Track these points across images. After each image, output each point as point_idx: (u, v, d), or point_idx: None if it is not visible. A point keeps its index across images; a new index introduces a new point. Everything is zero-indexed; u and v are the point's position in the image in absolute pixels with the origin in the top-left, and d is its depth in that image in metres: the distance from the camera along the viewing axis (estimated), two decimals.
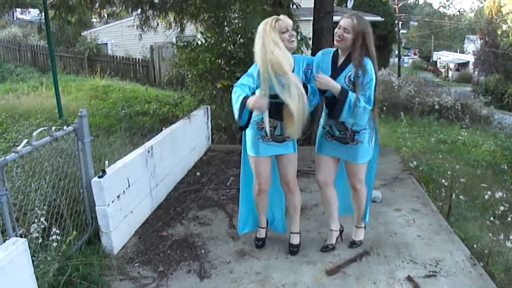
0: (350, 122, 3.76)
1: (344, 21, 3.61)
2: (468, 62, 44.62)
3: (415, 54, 63.96)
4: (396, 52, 41.22)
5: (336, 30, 3.66)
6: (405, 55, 56.90)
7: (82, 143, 4.11)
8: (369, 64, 3.60)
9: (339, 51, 3.75)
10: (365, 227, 4.39)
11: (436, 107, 16.05)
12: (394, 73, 33.06)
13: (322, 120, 4.03)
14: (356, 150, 3.85)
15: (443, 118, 15.41)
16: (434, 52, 56.22)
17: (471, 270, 3.89)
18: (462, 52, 53.50)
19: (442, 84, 29.51)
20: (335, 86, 3.61)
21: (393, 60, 42.63)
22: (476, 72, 39.41)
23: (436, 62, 53.45)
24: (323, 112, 3.98)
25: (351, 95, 3.58)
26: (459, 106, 16.31)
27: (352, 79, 3.64)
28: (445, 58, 50.83)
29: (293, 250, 4.23)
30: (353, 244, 4.28)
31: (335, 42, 3.68)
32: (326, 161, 4.03)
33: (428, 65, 54.01)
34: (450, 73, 47.71)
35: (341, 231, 4.30)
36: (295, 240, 4.25)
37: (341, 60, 3.73)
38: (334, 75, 3.69)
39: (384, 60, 31.84)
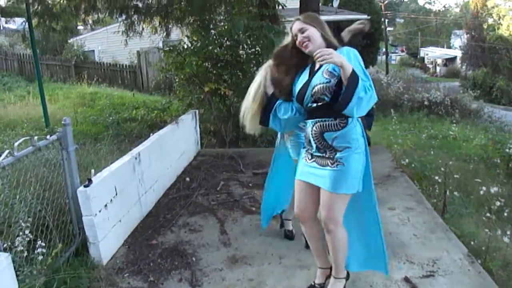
0: (331, 138, 3.10)
1: (294, 27, 3.21)
2: (455, 57, 44.91)
3: (402, 51, 64.26)
4: (384, 49, 41.35)
5: (297, 43, 3.20)
6: (392, 53, 57.15)
7: (66, 152, 4.01)
8: (353, 51, 3.11)
9: (315, 60, 3.10)
10: (347, 279, 3.58)
11: (426, 103, 16.03)
12: (382, 71, 33.14)
13: (303, 138, 3.40)
14: (335, 175, 3.09)
15: (433, 114, 15.41)
16: (421, 48, 56.53)
17: (469, 268, 3.84)
18: (449, 47, 53.83)
19: (431, 80, 29.60)
20: (347, 63, 2.87)
21: (381, 57, 42.80)
22: (463, 67, 39.70)
23: (423, 58, 53.71)
24: (307, 128, 3.29)
25: (360, 79, 2.88)
26: (448, 101, 16.29)
27: (333, 70, 3.02)
28: (433, 54, 51.10)
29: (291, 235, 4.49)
30: None
31: (306, 51, 3.17)
32: (302, 189, 3.35)
33: (416, 62, 54.29)
34: (438, 68, 47.97)
35: (331, 268, 3.57)
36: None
37: (317, 65, 3.17)
38: (311, 77, 3.17)
39: (372, 58, 31.87)
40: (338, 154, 3.10)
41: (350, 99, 2.84)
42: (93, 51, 23.29)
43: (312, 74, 3.20)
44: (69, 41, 22.03)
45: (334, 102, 2.98)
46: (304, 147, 3.36)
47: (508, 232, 4.55)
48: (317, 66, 3.18)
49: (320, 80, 3.06)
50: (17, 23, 23.67)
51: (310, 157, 3.26)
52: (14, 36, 25.19)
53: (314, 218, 3.40)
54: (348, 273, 3.57)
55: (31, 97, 13.39)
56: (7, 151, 3.39)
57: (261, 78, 3.45)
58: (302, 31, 3.14)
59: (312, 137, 3.17)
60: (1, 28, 30.16)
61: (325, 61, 2.82)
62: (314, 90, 3.08)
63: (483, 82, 31.04)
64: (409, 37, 62.54)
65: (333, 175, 3.10)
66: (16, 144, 3.43)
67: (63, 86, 16.76)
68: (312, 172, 3.23)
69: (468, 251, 4.16)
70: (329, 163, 3.13)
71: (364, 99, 2.86)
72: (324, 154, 3.16)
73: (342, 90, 2.92)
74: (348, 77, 2.83)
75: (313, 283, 3.66)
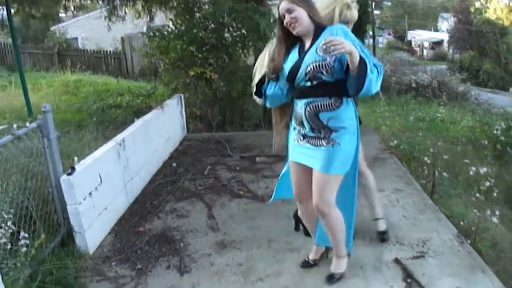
0: (327, 118, 3.04)
1: (281, 7, 3.06)
2: (443, 40, 44.99)
3: (389, 34, 64.23)
4: (371, 33, 41.30)
5: (284, 24, 3.07)
6: (379, 36, 57.05)
7: (48, 140, 3.91)
8: (344, 28, 3.05)
9: (303, 39, 3.12)
10: (349, 256, 3.60)
11: (413, 85, 16.15)
12: None
13: (292, 119, 3.29)
14: (330, 154, 3.05)
15: (420, 96, 15.58)
16: (409, 32, 56.47)
17: (459, 249, 3.85)
18: (436, 30, 53.87)
19: (418, 63, 29.69)
20: (355, 49, 2.80)
21: (368, 41, 42.62)
22: (450, 50, 39.79)
23: (410, 41, 53.72)
24: (297, 108, 3.18)
25: (368, 62, 2.87)
26: (435, 83, 16.44)
27: (326, 46, 2.82)
28: (420, 37, 51.13)
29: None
30: (331, 278, 3.48)
31: (294, 32, 3.06)
32: (297, 171, 3.32)
33: (403, 45, 54.29)
34: (425, 51, 48.02)
35: (327, 247, 3.68)
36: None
37: (307, 43, 3.08)
38: (303, 55, 3.06)
39: (359, 41, 31.92)
40: (333, 134, 3.05)
41: (362, 85, 2.80)
42: (76, 38, 23.09)
43: (302, 52, 3.09)
44: (51, 28, 21.79)
45: (340, 86, 2.96)
46: (294, 128, 3.25)
47: (497, 213, 4.61)
48: (307, 44, 3.08)
49: (314, 58, 2.97)
50: None
51: (302, 138, 3.18)
52: None
53: (311, 198, 3.32)
54: (349, 252, 3.57)
55: (13, 87, 13.20)
56: None
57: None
58: (289, 11, 3.03)
59: (306, 117, 3.08)
60: None
61: (337, 51, 2.70)
62: (308, 69, 2.98)
63: (470, 65, 31.20)
64: (396, 20, 62.44)
65: (327, 155, 3.05)
66: None
67: (46, 74, 16.62)
68: (305, 152, 3.17)
69: (457, 231, 4.17)
70: (324, 143, 3.06)
71: (373, 79, 2.84)
72: (318, 134, 3.08)
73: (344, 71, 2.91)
74: (358, 65, 2.76)
75: (306, 259, 3.68)
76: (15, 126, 3.61)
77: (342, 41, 2.71)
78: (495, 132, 8.54)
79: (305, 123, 3.10)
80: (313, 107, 3.04)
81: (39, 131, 3.87)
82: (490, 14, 36.87)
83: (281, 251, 3.93)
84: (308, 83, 3.03)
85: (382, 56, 26.94)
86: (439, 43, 46.48)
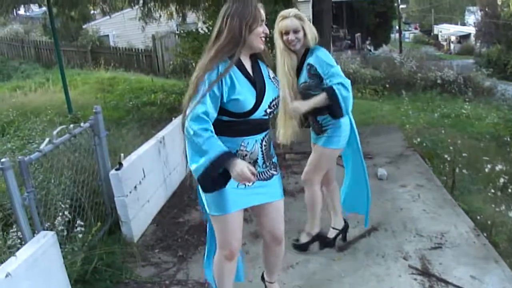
0: (271, 145, 2.85)
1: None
2: (470, 34, 44.28)
3: (416, 28, 63.42)
4: (397, 27, 40.95)
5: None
6: (406, 30, 56.42)
7: (98, 138, 4.31)
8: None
9: (242, 60, 2.65)
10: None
11: (439, 81, 16.05)
12: (395, 49, 32.86)
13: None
14: (279, 179, 2.92)
15: (446, 93, 15.41)
16: (435, 26, 55.69)
17: (475, 241, 4.05)
18: (463, 24, 53.01)
19: (444, 58, 29.37)
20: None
21: (394, 36, 42.37)
22: (478, 44, 39.15)
23: (437, 35, 53.01)
24: (249, 147, 2.71)
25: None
26: (461, 79, 16.29)
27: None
28: (446, 31, 50.41)
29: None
30: None
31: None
32: (239, 219, 2.82)
33: (430, 39, 53.61)
34: (452, 46, 47.38)
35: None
36: None
37: (247, 63, 2.70)
38: (260, 85, 2.67)
39: (385, 36, 31.77)
40: (274, 159, 2.90)
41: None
42: (108, 36, 23.37)
43: (251, 79, 2.66)
44: (83, 26, 22.20)
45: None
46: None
47: None
48: (248, 68, 2.69)
49: (277, 93, 2.76)
50: (32, 10, 23.79)
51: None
52: (29, 23, 25.29)
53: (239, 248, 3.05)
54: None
55: (51, 83, 13.54)
56: (47, 139, 3.68)
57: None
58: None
59: (262, 153, 2.74)
60: (16, 15, 30.25)
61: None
62: (274, 103, 2.73)
63: (497, 59, 30.59)
64: (423, 14, 61.64)
65: (278, 181, 2.91)
66: (55, 132, 3.73)
67: (80, 72, 16.89)
68: (256, 192, 2.77)
69: (474, 225, 4.36)
70: (273, 172, 2.86)
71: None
72: (267, 166, 2.80)
73: None
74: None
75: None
76: (71, 126, 4.00)
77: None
78: None
79: (260, 159, 2.74)
80: (267, 139, 2.77)
81: (91, 130, 4.27)
82: None
83: None
84: (266, 117, 2.71)
85: (408, 51, 26.62)
86: (466, 37, 45.79)
